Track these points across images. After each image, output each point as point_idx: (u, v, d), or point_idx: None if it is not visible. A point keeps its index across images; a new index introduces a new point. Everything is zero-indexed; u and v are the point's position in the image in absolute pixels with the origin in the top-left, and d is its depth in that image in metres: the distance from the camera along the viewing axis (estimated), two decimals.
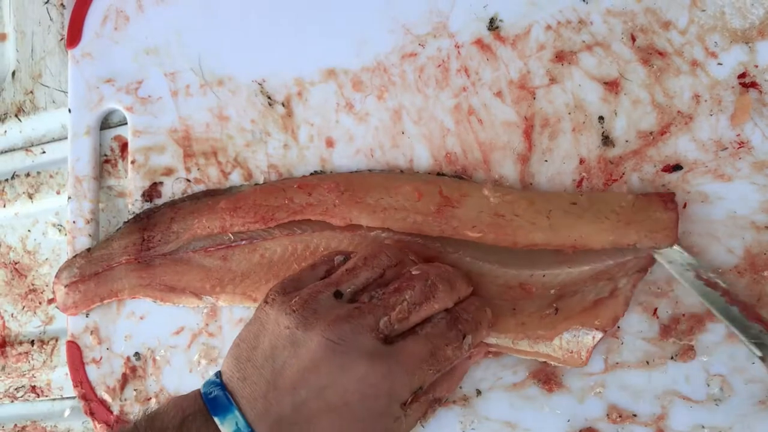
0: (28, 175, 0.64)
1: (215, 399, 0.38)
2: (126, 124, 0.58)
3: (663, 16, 0.44)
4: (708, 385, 0.41)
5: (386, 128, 0.50)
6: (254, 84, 0.54)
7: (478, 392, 0.46)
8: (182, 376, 0.54)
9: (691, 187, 0.43)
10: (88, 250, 0.56)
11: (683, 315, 0.42)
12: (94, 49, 0.59)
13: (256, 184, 0.52)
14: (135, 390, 0.55)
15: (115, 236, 0.56)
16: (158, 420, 0.38)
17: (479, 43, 0.48)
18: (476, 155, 0.47)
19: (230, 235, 0.51)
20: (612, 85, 0.45)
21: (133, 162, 0.57)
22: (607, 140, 0.45)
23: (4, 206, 0.64)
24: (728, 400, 0.41)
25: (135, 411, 0.55)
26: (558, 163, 0.46)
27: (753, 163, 0.42)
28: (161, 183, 0.56)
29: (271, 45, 0.54)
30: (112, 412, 0.55)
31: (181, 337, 0.54)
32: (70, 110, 0.59)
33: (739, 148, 0.42)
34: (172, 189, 0.56)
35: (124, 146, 0.59)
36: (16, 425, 0.62)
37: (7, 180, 0.64)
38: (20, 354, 0.62)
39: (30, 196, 0.63)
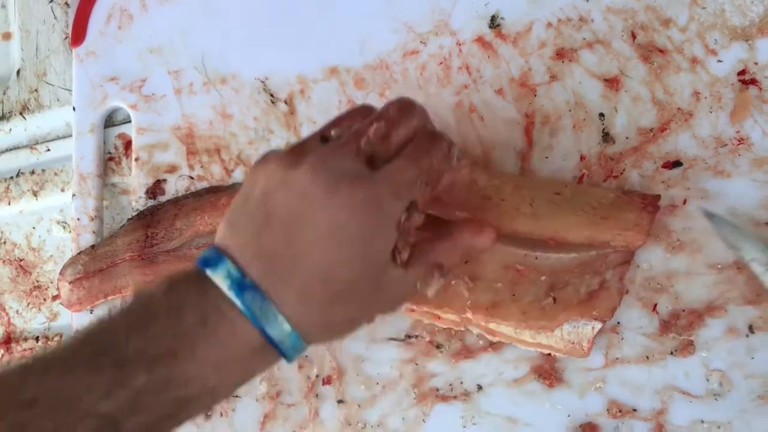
0: (32, 172, 0.64)
1: (206, 258, 0.36)
2: (130, 121, 0.58)
3: (663, 13, 0.44)
4: (707, 380, 0.42)
5: None
6: (257, 82, 0.54)
7: (479, 387, 0.46)
8: None
9: (691, 184, 0.43)
10: (93, 247, 0.57)
11: (683, 310, 0.42)
12: (99, 48, 0.60)
13: None
14: None
15: (119, 233, 0.56)
16: (147, 293, 0.36)
17: (480, 40, 0.48)
18: (477, 152, 0.48)
19: None
20: (612, 82, 0.45)
21: (136, 159, 0.57)
22: (607, 137, 0.45)
23: (9, 204, 0.65)
24: (728, 395, 0.41)
25: None
26: (558, 159, 0.46)
27: (753, 160, 0.42)
28: (165, 180, 0.56)
29: (274, 43, 0.54)
30: None
31: None
32: (74, 108, 0.60)
33: (738, 144, 0.42)
34: (175, 186, 0.56)
35: (127, 144, 0.59)
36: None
37: (12, 178, 0.65)
38: (25, 350, 0.63)
39: (35, 194, 0.64)
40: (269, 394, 0.51)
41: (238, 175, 0.54)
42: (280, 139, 0.53)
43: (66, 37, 0.63)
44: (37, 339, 0.63)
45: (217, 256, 0.36)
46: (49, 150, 0.64)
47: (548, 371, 0.45)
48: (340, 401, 0.49)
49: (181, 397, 0.34)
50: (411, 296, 0.40)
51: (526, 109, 0.47)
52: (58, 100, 0.63)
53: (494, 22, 0.48)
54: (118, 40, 0.59)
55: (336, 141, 0.38)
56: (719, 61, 0.43)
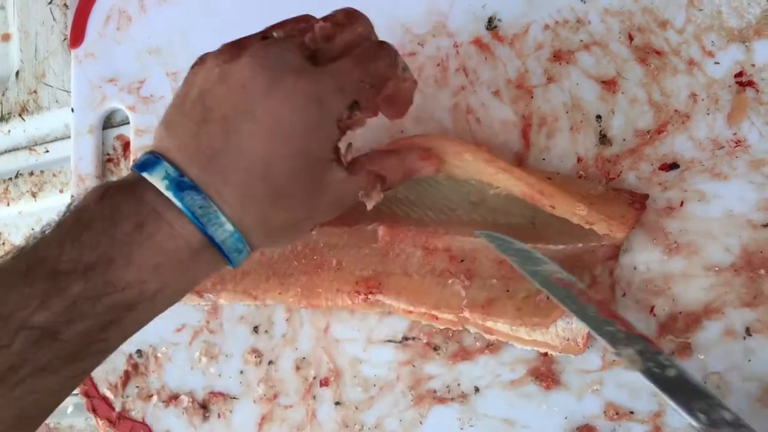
0: (31, 173, 0.64)
1: (142, 162, 0.35)
2: (128, 123, 0.59)
3: (660, 15, 0.44)
4: (705, 383, 0.42)
5: (385, 127, 0.50)
6: None
7: (477, 389, 0.46)
8: (184, 373, 0.54)
9: (688, 186, 0.43)
10: None
11: (680, 313, 0.42)
12: (97, 49, 0.60)
13: None
14: (137, 387, 0.55)
15: None
16: (80, 204, 0.35)
17: (478, 42, 0.48)
18: None
19: None
20: (609, 84, 0.45)
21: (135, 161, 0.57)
22: (604, 139, 0.45)
23: (8, 205, 0.65)
24: (725, 397, 0.41)
25: (137, 408, 0.55)
26: (555, 161, 0.46)
27: (749, 162, 0.42)
28: None
29: None
30: (114, 409, 0.56)
31: (182, 334, 0.54)
32: (73, 110, 0.60)
33: (735, 146, 0.42)
34: None
35: (126, 145, 0.59)
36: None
37: (11, 179, 0.65)
38: None
39: (34, 195, 0.64)
40: (267, 396, 0.51)
41: None
42: None
43: (65, 39, 0.63)
44: None
45: (153, 159, 0.35)
46: (47, 151, 0.64)
47: (545, 373, 0.45)
48: (337, 403, 0.49)
49: (121, 302, 0.33)
50: (352, 203, 0.39)
51: (523, 111, 0.47)
52: (56, 101, 0.63)
53: (491, 24, 0.48)
54: (117, 42, 0.59)
55: (279, 37, 0.37)
56: (716, 62, 0.43)
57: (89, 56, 0.60)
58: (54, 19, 0.64)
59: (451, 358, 0.47)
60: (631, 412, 0.43)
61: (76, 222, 0.34)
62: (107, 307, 0.33)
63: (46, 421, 0.61)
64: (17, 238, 0.65)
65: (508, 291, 0.44)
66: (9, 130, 0.66)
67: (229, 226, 0.34)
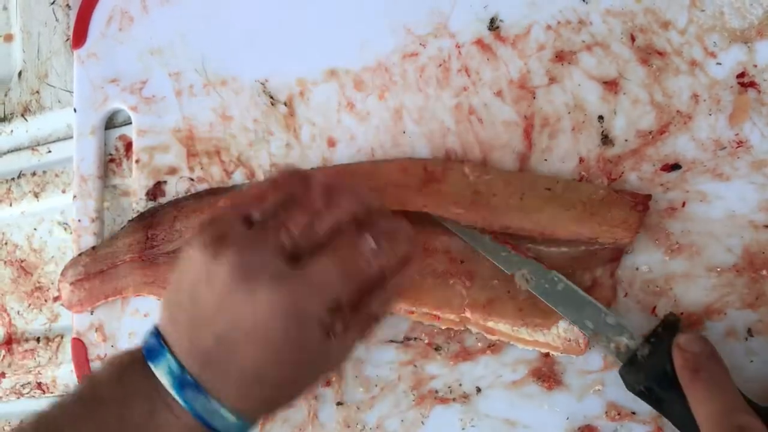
0: (34, 174, 0.64)
1: (149, 346, 0.37)
2: (130, 123, 0.59)
3: (662, 16, 0.44)
4: None
5: (387, 128, 0.50)
6: (257, 84, 0.54)
7: (478, 390, 0.46)
8: None
9: (690, 187, 0.43)
10: (93, 248, 0.57)
11: (682, 314, 0.42)
12: (99, 50, 0.60)
13: None
14: None
15: (120, 235, 0.56)
16: (96, 377, 0.38)
17: (480, 43, 0.48)
18: (476, 154, 0.48)
19: None
20: (611, 85, 0.45)
21: (137, 161, 0.57)
22: (606, 139, 0.45)
23: (11, 205, 0.65)
24: None
25: None
26: (557, 162, 0.46)
27: (751, 163, 0.42)
28: (165, 182, 0.56)
29: (274, 46, 0.54)
30: None
31: None
32: (75, 110, 0.60)
33: (737, 147, 0.42)
34: (175, 188, 0.56)
35: (128, 146, 0.59)
36: (22, 421, 0.63)
37: (13, 179, 0.65)
38: (26, 351, 0.63)
39: (36, 195, 0.64)
40: None
41: (238, 176, 0.54)
42: (280, 141, 0.53)
43: (67, 39, 0.63)
44: (38, 340, 0.63)
45: (159, 348, 0.37)
46: (50, 151, 0.64)
47: (547, 374, 0.45)
48: (339, 403, 0.49)
49: None
50: (352, 352, 0.39)
51: (525, 112, 0.47)
52: (59, 101, 0.64)
53: (493, 25, 0.48)
54: (119, 42, 0.59)
55: (257, 229, 0.37)
56: (718, 63, 0.43)
57: (92, 57, 0.60)
58: (56, 20, 0.64)
59: (452, 358, 0.47)
60: (633, 413, 0.43)
61: (93, 399, 0.36)
62: None
63: None
64: (19, 238, 0.65)
65: (509, 292, 0.44)
66: (11, 131, 0.66)
67: (231, 418, 0.36)
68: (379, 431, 0.48)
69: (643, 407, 0.42)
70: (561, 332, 0.43)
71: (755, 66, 0.42)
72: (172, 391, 0.35)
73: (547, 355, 0.45)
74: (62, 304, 0.58)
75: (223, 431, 0.36)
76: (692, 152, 0.43)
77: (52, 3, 0.64)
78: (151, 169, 0.57)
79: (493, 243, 0.44)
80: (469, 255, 0.46)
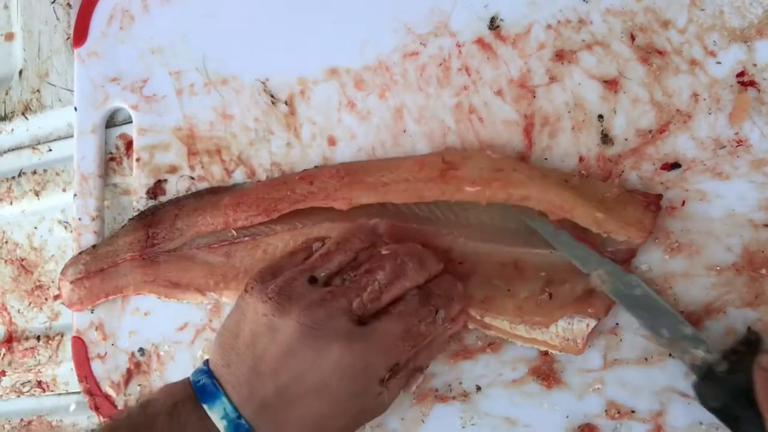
0: (34, 172, 0.65)
1: (203, 387, 0.39)
2: (131, 122, 0.59)
3: (662, 15, 0.44)
4: None
5: (388, 126, 0.50)
6: (257, 83, 0.54)
7: (478, 388, 0.46)
8: (186, 372, 0.54)
9: (690, 185, 0.43)
10: (94, 246, 0.57)
11: (682, 312, 0.42)
12: (100, 49, 0.60)
13: (258, 182, 0.53)
14: (139, 385, 0.56)
15: (120, 233, 0.56)
16: (150, 406, 0.39)
17: (480, 42, 0.48)
18: None
19: (233, 231, 0.51)
20: (611, 84, 0.45)
21: (138, 160, 0.57)
22: (606, 138, 0.45)
23: (11, 203, 0.65)
24: None
25: None
26: (558, 161, 0.46)
27: (751, 162, 0.42)
28: (165, 180, 0.56)
29: (275, 44, 0.54)
30: (116, 407, 0.56)
31: (185, 333, 0.54)
32: (76, 108, 0.60)
33: (737, 146, 0.42)
34: (176, 186, 0.56)
35: (129, 144, 0.59)
36: (22, 420, 0.63)
37: (14, 177, 0.65)
38: (26, 349, 0.63)
39: (36, 194, 0.64)
40: None
41: (239, 175, 0.54)
42: (281, 140, 0.53)
43: (68, 38, 0.63)
44: (38, 338, 0.63)
45: (213, 389, 0.39)
46: (50, 150, 0.64)
47: (547, 372, 0.45)
48: None
49: None
50: (393, 401, 0.42)
51: (526, 111, 0.47)
52: (59, 100, 0.64)
53: (494, 24, 0.48)
54: (120, 41, 0.59)
55: (322, 288, 0.40)
56: (718, 62, 0.43)
57: (92, 55, 0.60)
58: (57, 18, 0.64)
59: (452, 356, 0.47)
60: (633, 411, 0.43)
61: (148, 429, 0.38)
62: None
63: (49, 419, 0.62)
64: (20, 236, 0.65)
65: (509, 290, 0.44)
66: (12, 129, 0.66)
67: None
68: (379, 429, 0.48)
69: (642, 405, 0.42)
70: (560, 331, 0.43)
71: (755, 65, 0.42)
72: None
73: (546, 353, 0.45)
74: (62, 303, 0.58)
75: None
76: (692, 151, 0.43)
77: (53, 2, 0.64)
78: (151, 168, 0.57)
79: (570, 239, 0.42)
80: (470, 257, 0.46)
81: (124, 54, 0.59)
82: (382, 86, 0.51)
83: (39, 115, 0.64)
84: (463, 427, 0.46)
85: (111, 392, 0.56)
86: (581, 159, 0.45)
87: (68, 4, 0.64)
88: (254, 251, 0.51)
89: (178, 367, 0.54)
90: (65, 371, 0.61)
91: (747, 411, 0.37)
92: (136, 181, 0.57)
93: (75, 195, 0.59)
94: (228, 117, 0.55)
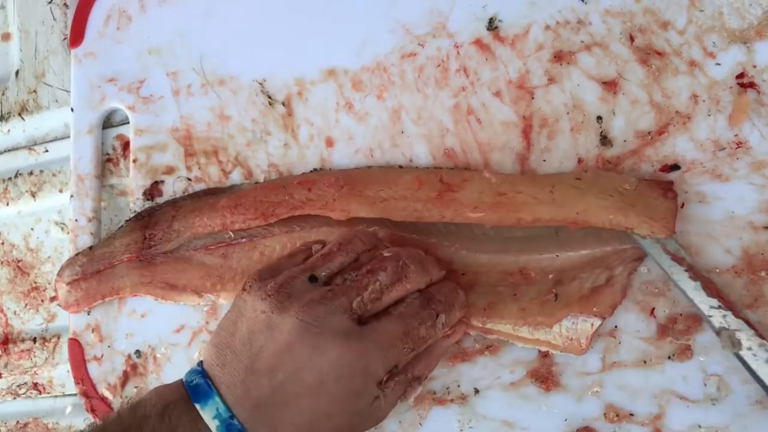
0: (31, 173, 0.64)
1: (196, 386, 0.38)
2: (128, 123, 0.58)
3: (661, 16, 0.44)
4: (705, 385, 0.41)
5: (386, 128, 0.50)
6: (255, 84, 0.54)
7: (476, 391, 0.46)
8: (182, 374, 0.54)
9: (689, 187, 0.43)
10: (90, 248, 0.57)
11: (680, 315, 0.42)
12: (97, 49, 0.60)
13: (256, 183, 0.53)
14: (136, 387, 0.55)
15: (117, 234, 0.56)
16: (140, 408, 0.38)
17: (478, 43, 0.48)
18: (475, 155, 0.48)
19: (230, 233, 0.51)
20: (610, 85, 0.45)
21: (134, 161, 0.57)
22: (605, 140, 0.45)
23: (8, 204, 0.65)
24: (725, 399, 0.41)
25: None
26: (556, 162, 0.46)
27: (751, 163, 0.42)
28: (162, 182, 0.56)
29: (272, 45, 0.54)
30: (113, 409, 0.56)
31: (181, 334, 0.54)
32: (72, 109, 0.60)
33: (737, 148, 0.42)
34: (173, 188, 0.56)
35: (125, 145, 0.59)
36: (18, 422, 0.63)
37: (10, 178, 0.65)
38: (22, 351, 0.63)
39: (33, 195, 0.64)
40: None
41: (236, 176, 0.54)
42: (278, 141, 0.53)
43: (65, 38, 0.63)
44: (34, 340, 0.63)
45: (207, 390, 0.38)
46: (47, 151, 0.64)
47: (545, 375, 0.45)
48: None
49: None
50: (390, 410, 0.41)
51: (524, 112, 0.47)
52: (56, 101, 0.63)
53: (492, 25, 0.48)
54: (117, 41, 0.59)
55: (322, 286, 0.40)
56: (717, 64, 0.43)
57: (89, 56, 0.60)
58: (54, 19, 0.64)
59: (450, 359, 0.47)
60: (631, 414, 0.43)
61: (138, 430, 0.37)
62: None
63: (45, 421, 0.61)
64: (16, 237, 0.65)
65: (515, 295, 0.44)
66: (8, 130, 0.66)
67: None
68: None
69: (641, 408, 0.42)
70: (563, 331, 0.43)
71: (754, 66, 0.42)
72: None
73: (545, 355, 0.45)
74: (59, 305, 0.58)
75: None
76: (691, 153, 0.43)
77: (50, 2, 0.64)
78: (148, 169, 0.57)
79: (703, 293, 0.40)
80: (472, 267, 0.45)
81: (121, 54, 0.59)
82: (380, 87, 0.50)
83: (35, 116, 0.64)
84: (461, 430, 0.46)
85: (107, 394, 0.56)
86: (580, 160, 0.45)
87: (65, 4, 0.63)
88: (251, 253, 0.51)
89: (175, 369, 0.54)
90: (61, 373, 0.61)
91: None
92: (132, 182, 0.57)
93: (72, 196, 0.58)
94: (225, 118, 0.55)
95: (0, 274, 0.65)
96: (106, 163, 0.60)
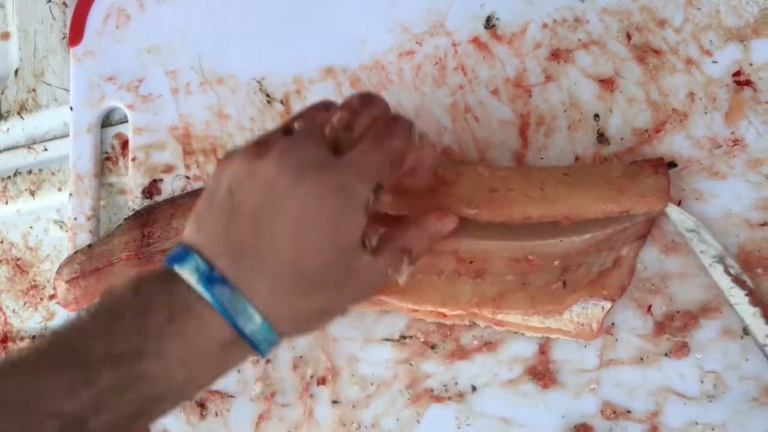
0: (30, 172, 0.64)
1: (173, 255, 0.36)
2: (127, 121, 0.59)
3: (658, 14, 0.44)
4: (702, 382, 0.42)
5: None
6: (253, 82, 0.54)
7: (474, 388, 0.46)
8: None
9: (686, 185, 0.43)
10: (89, 246, 0.57)
11: (677, 312, 0.42)
12: (96, 48, 0.60)
13: None
14: None
15: (116, 233, 0.56)
16: (114, 293, 0.36)
17: (476, 41, 0.48)
18: (473, 152, 0.48)
19: None
20: (607, 83, 0.45)
21: (133, 159, 0.57)
22: (602, 138, 0.45)
23: (7, 203, 0.65)
24: (722, 396, 0.41)
25: None
26: (554, 160, 0.46)
27: (747, 161, 0.42)
28: (161, 180, 0.56)
29: (270, 44, 0.54)
30: None
31: None
32: (71, 108, 0.60)
33: (733, 145, 0.42)
34: (171, 186, 0.56)
35: (124, 144, 0.59)
36: (34, 338, 0.62)
37: (9, 177, 0.65)
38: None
39: (32, 193, 0.64)
40: (264, 395, 0.51)
41: None
42: None
43: (64, 37, 0.63)
44: (33, 338, 0.63)
45: (184, 252, 0.36)
46: (46, 149, 0.64)
47: (542, 372, 0.45)
48: (334, 402, 0.49)
49: (149, 394, 0.34)
50: (382, 284, 0.39)
51: (522, 110, 0.47)
52: (55, 99, 0.63)
53: (490, 23, 0.48)
54: (116, 40, 0.59)
55: (300, 132, 0.38)
56: (714, 62, 0.43)
57: (88, 54, 0.60)
58: (53, 18, 0.64)
59: (448, 356, 0.47)
60: (628, 411, 0.43)
61: (110, 313, 0.35)
62: (135, 399, 0.34)
63: None
64: (15, 236, 0.65)
65: (523, 284, 0.44)
66: (8, 129, 0.66)
67: (258, 318, 0.35)
68: (374, 430, 0.48)
69: (638, 405, 0.42)
70: (574, 316, 0.43)
71: (751, 64, 0.42)
72: (199, 286, 0.34)
73: (543, 353, 0.45)
74: (58, 303, 0.58)
75: (249, 334, 0.35)
76: (688, 150, 0.43)
77: (49, 1, 0.64)
78: (147, 167, 0.57)
79: (763, 318, 0.39)
80: (478, 255, 0.45)
81: (120, 53, 0.59)
82: (378, 85, 0.50)
83: (35, 115, 0.64)
84: (459, 428, 0.46)
85: None
86: (577, 158, 0.45)
87: (64, 3, 0.64)
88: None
89: None
90: None
91: None
92: (131, 180, 0.57)
93: (70, 194, 0.58)
94: (224, 116, 0.55)
95: None
96: (105, 161, 0.60)
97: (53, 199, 0.63)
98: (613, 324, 0.44)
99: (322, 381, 0.50)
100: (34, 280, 0.64)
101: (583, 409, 0.44)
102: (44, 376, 0.33)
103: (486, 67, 0.48)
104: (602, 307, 0.42)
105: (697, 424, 0.41)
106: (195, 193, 0.55)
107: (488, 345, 0.46)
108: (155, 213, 0.55)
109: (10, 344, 0.64)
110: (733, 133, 0.42)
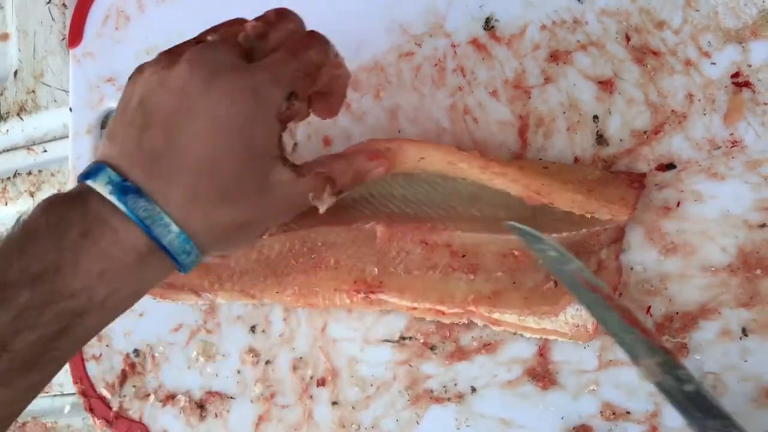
0: (29, 173, 0.64)
1: (85, 172, 0.35)
2: None
3: (657, 15, 0.44)
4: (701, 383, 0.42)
5: (383, 127, 0.50)
6: None
7: (473, 389, 0.46)
8: (181, 373, 0.54)
9: (685, 186, 0.43)
10: None
11: (676, 313, 0.42)
12: (96, 49, 0.60)
13: None
14: (134, 386, 0.55)
15: None
16: (26, 219, 0.35)
17: (475, 42, 0.48)
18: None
19: None
20: (606, 85, 0.45)
21: None
22: (601, 139, 0.45)
23: (6, 204, 0.65)
24: (721, 397, 0.41)
25: (134, 407, 0.55)
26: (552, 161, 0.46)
27: (746, 162, 0.42)
28: None
29: None
30: (111, 409, 0.56)
31: (179, 333, 0.54)
32: (71, 109, 0.60)
33: (732, 147, 0.42)
34: None
35: None
36: (16, 421, 0.63)
37: (8, 178, 0.65)
38: None
39: (31, 195, 0.64)
40: (263, 396, 0.51)
41: None
42: None
43: (63, 38, 0.63)
44: None
45: (96, 167, 0.35)
46: (45, 151, 0.64)
47: (542, 373, 0.45)
48: (334, 403, 0.49)
49: (69, 310, 0.33)
50: (302, 207, 0.39)
51: (521, 111, 0.47)
52: (55, 101, 0.64)
53: (489, 24, 0.48)
54: (115, 41, 0.59)
55: (213, 39, 0.38)
56: (713, 63, 0.43)
57: (88, 56, 0.60)
58: (52, 19, 0.64)
59: (447, 358, 0.47)
60: (628, 413, 0.43)
61: (24, 234, 0.34)
62: (55, 316, 0.33)
63: (44, 421, 0.61)
64: None
65: (514, 283, 0.44)
66: (7, 130, 0.66)
67: (174, 227, 0.34)
68: (374, 431, 0.48)
69: (638, 406, 0.42)
70: (569, 318, 0.43)
71: (750, 66, 0.42)
72: (112, 198, 0.34)
73: (542, 354, 0.45)
74: None
75: (165, 243, 0.34)
76: (687, 152, 0.43)
77: (48, 2, 0.64)
78: None
79: (620, 322, 0.38)
80: (470, 248, 0.46)
81: (119, 54, 0.59)
82: (377, 87, 0.51)
83: (34, 116, 0.64)
84: (458, 429, 0.46)
85: (106, 393, 0.56)
86: (576, 160, 0.45)
87: (63, 4, 0.64)
88: (250, 252, 0.51)
89: (173, 368, 0.54)
90: (60, 372, 0.61)
91: None
92: None
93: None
94: None
95: None
96: None
97: None
98: None
99: (321, 382, 0.50)
100: None
101: (583, 410, 0.44)
102: None
103: (485, 68, 0.48)
104: None
105: None
106: None
107: (488, 346, 0.46)
108: None
109: None
110: (731, 134, 0.42)
